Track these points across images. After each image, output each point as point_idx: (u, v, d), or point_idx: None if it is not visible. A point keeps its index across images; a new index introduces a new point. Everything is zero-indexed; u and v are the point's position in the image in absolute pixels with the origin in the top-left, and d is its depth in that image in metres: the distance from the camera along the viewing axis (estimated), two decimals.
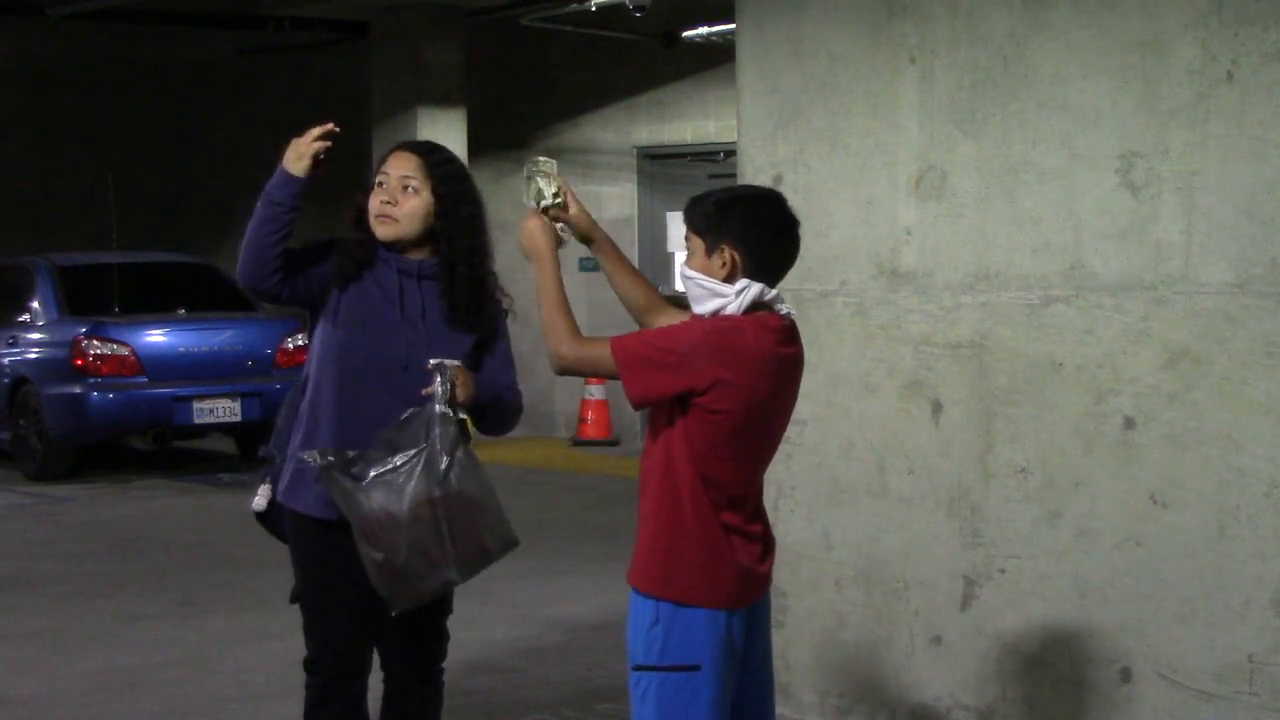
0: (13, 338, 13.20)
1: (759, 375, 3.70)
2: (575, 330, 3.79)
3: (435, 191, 4.37)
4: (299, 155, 4.27)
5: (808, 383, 5.64)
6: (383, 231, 4.35)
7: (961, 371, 5.23)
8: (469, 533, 4.25)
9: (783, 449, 5.68)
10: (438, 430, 4.18)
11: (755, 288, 3.73)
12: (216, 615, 7.92)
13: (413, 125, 13.95)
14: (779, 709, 5.72)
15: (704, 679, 3.68)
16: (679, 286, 16.43)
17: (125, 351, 12.50)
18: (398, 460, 4.18)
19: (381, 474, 4.18)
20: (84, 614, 8.00)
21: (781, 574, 5.74)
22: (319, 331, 4.41)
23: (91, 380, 12.40)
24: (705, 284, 3.74)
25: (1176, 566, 4.75)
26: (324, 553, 4.38)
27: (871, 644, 5.50)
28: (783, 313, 3.81)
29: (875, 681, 5.49)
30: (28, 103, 18.52)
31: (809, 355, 5.64)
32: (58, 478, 12.68)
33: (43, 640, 7.47)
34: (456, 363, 4.27)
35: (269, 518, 4.55)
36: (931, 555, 5.32)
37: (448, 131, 14.08)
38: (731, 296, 3.71)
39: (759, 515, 3.85)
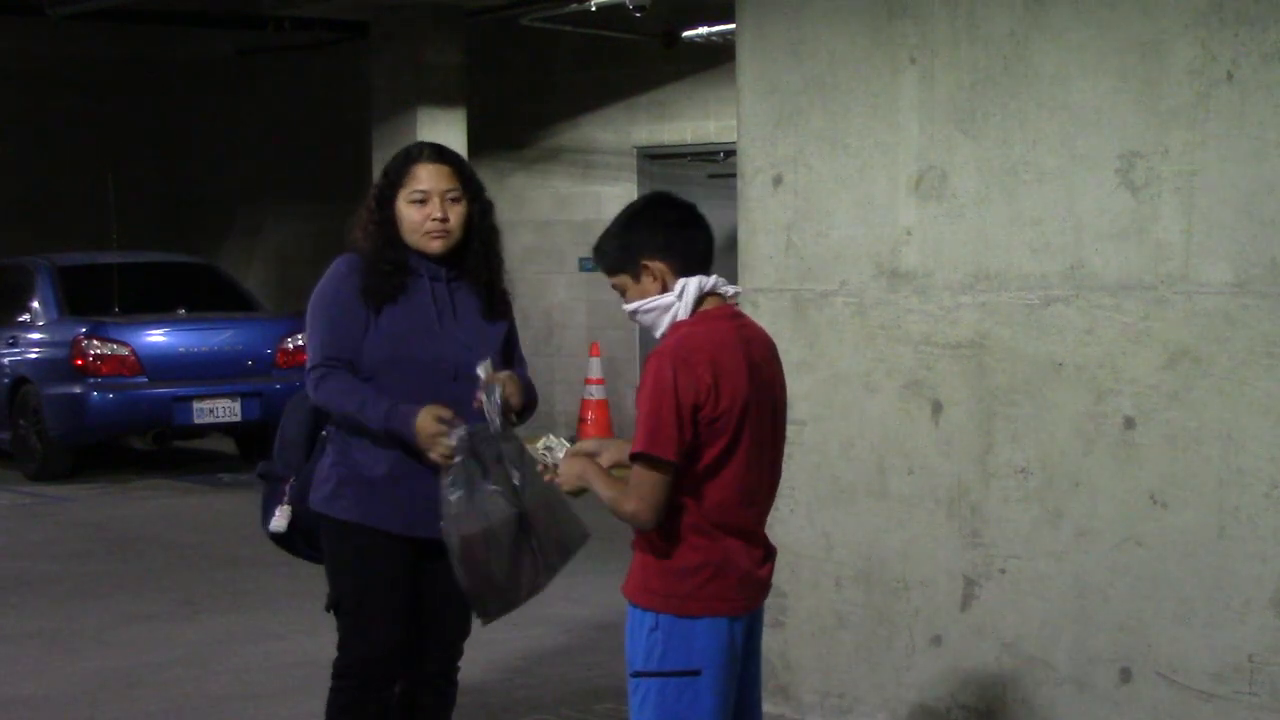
0: (13, 338, 13.19)
1: (733, 365, 3.65)
2: (624, 491, 3.65)
3: (470, 198, 4.47)
4: (429, 447, 4.25)
5: (808, 382, 5.66)
6: (438, 246, 4.42)
7: (961, 371, 5.23)
8: (551, 537, 4.30)
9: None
10: (503, 447, 4.22)
11: (694, 280, 3.70)
12: (216, 615, 7.92)
13: (413, 125, 13.94)
14: (779, 709, 5.73)
15: (705, 684, 3.65)
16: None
17: (125, 351, 12.50)
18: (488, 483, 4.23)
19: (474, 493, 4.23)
20: (84, 614, 8.00)
21: (781, 574, 5.73)
22: (364, 352, 4.40)
23: (91, 380, 12.39)
24: (649, 305, 3.72)
25: (1176, 566, 4.75)
26: (367, 558, 4.40)
27: (871, 644, 5.50)
28: (728, 294, 3.78)
29: (875, 681, 5.49)
30: (28, 103, 18.51)
31: (809, 355, 5.66)
32: (58, 478, 12.67)
33: (43, 640, 7.47)
34: (506, 373, 4.34)
35: (287, 538, 4.56)
36: (931, 555, 5.32)
37: (448, 131, 14.06)
38: (675, 298, 3.69)
39: (762, 519, 3.80)
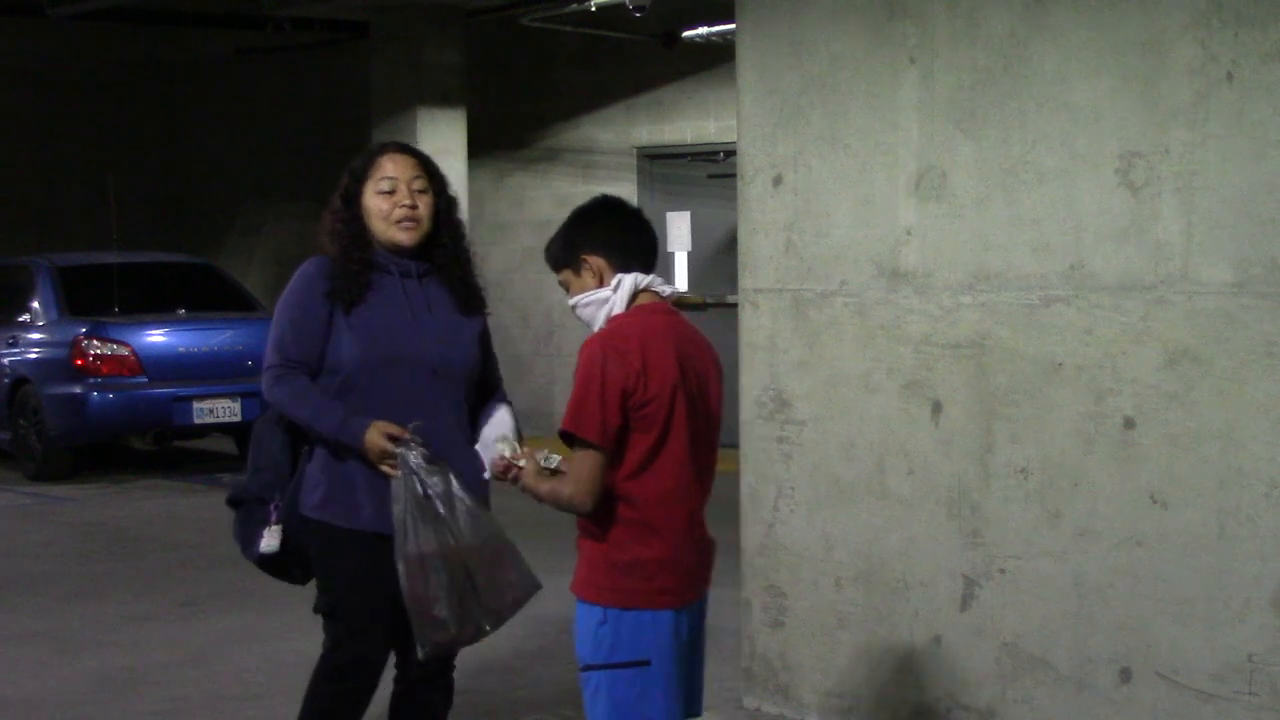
0: (13, 338, 13.19)
1: (662, 353, 3.75)
2: (559, 484, 3.76)
3: (436, 189, 4.47)
4: (377, 463, 4.27)
5: (808, 382, 5.66)
6: (409, 237, 4.42)
7: (961, 371, 5.23)
8: (496, 584, 4.27)
9: (781, 448, 5.70)
10: (429, 480, 4.23)
11: (630, 277, 3.82)
12: (216, 615, 7.92)
13: (413, 125, 13.94)
14: (779, 709, 5.74)
15: (654, 674, 3.73)
16: (680, 286, 16.33)
17: (125, 351, 12.49)
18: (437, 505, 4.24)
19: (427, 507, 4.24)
20: (84, 614, 8.00)
21: (781, 574, 5.75)
22: (331, 353, 4.39)
23: (91, 380, 12.39)
24: (587, 299, 3.85)
25: (1176, 566, 4.75)
26: (360, 562, 4.40)
27: (871, 644, 5.50)
28: (665, 294, 3.88)
29: (875, 681, 5.49)
30: (28, 103, 18.51)
31: (809, 355, 5.66)
32: (58, 478, 12.67)
33: (43, 640, 7.47)
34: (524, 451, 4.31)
35: (277, 560, 4.53)
36: (931, 555, 5.32)
37: (448, 131, 14.07)
38: (610, 293, 3.82)
39: (698, 513, 3.87)
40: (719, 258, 13.77)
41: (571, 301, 3.90)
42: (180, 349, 12.72)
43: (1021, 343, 5.08)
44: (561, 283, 3.92)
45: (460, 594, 4.23)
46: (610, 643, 3.72)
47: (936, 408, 5.30)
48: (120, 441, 13.20)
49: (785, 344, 5.69)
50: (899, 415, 5.39)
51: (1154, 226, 4.76)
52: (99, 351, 12.46)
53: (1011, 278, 5.10)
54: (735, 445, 5.91)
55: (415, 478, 4.22)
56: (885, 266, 5.42)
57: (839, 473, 5.56)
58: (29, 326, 13.18)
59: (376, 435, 4.25)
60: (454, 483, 4.24)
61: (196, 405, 12.54)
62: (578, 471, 3.69)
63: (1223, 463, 4.64)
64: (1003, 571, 5.14)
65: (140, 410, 12.52)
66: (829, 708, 5.63)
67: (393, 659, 4.60)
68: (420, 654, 4.29)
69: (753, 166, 5.76)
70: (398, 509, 4.22)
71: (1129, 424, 4.84)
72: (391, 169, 4.43)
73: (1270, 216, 4.54)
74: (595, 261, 3.83)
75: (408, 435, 4.25)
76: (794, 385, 5.69)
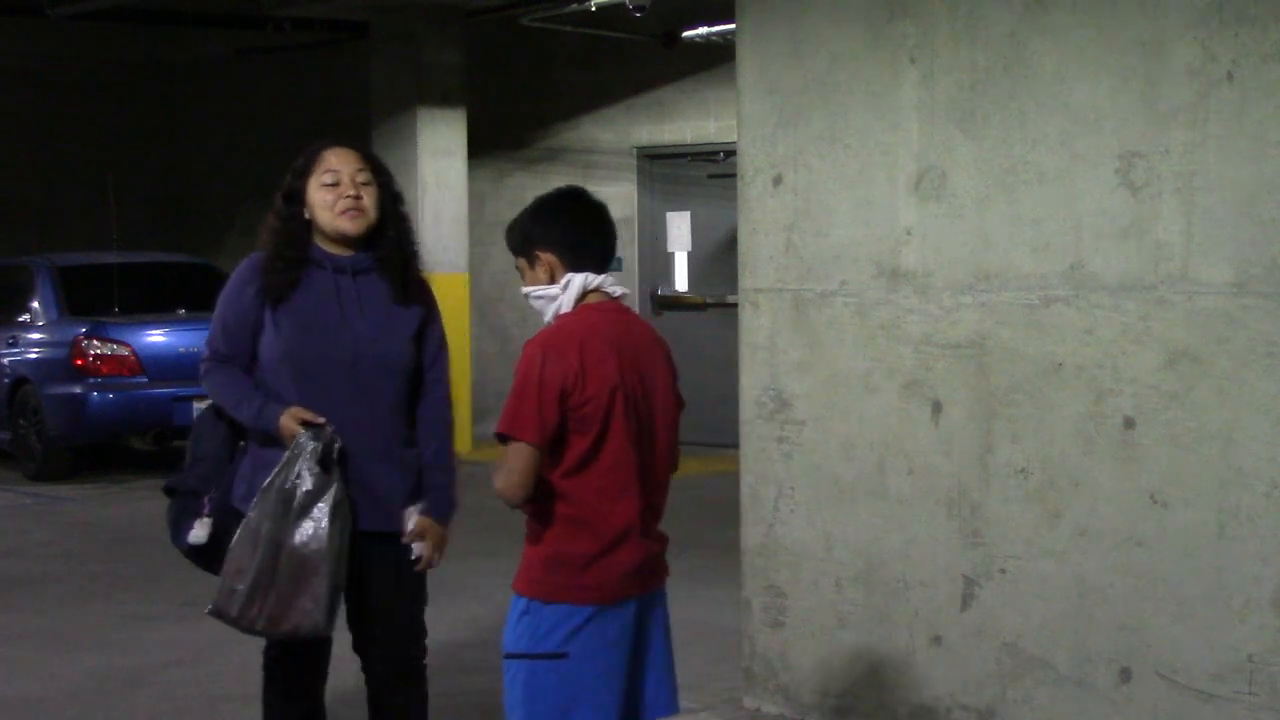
0: (13, 338, 13.19)
1: (601, 354, 3.78)
2: (495, 469, 3.81)
3: (381, 182, 4.55)
4: (288, 435, 4.37)
5: (808, 382, 5.66)
6: (354, 226, 4.48)
7: (961, 371, 5.23)
8: (284, 595, 4.35)
9: (781, 449, 5.70)
10: (299, 485, 4.31)
11: (579, 277, 3.86)
12: None
13: (412, 125, 13.94)
14: (779, 709, 5.73)
15: (570, 667, 3.78)
16: (680, 286, 16.30)
17: (125, 351, 12.49)
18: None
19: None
20: (84, 614, 8.00)
21: (782, 574, 5.74)
22: (262, 349, 4.48)
23: (91, 380, 12.39)
24: (538, 293, 3.90)
25: (1176, 566, 4.75)
26: None
27: (871, 644, 5.50)
28: (615, 294, 3.91)
29: (875, 681, 5.49)
30: (28, 103, 18.51)
31: (809, 355, 5.66)
32: (58, 478, 12.67)
33: (43, 640, 7.47)
34: (425, 528, 4.48)
35: (205, 552, 4.60)
36: (931, 555, 5.32)
37: (448, 131, 14.07)
38: (559, 292, 3.86)
39: (647, 510, 3.89)
40: (719, 258, 13.77)
41: (524, 291, 3.96)
42: (180, 349, 12.70)
43: (1021, 343, 5.08)
44: (517, 268, 3.97)
45: (259, 583, 4.34)
46: (530, 633, 3.79)
47: (936, 408, 5.30)
48: (120, 441, 13.19)
49: (785, 344, 5.69)
50: (899, 415, 5.39)
51: (1154, 226, 4.76)
52: (99, 351, 12.46)
53: (1011, 278, 5.10)
54: (735, 445, 5.92)
55: (300, 461, 4.30)
56: (885, 266, 5.42)
57: (839, 473, 5.56)
58: (29, 326, 13.17)
59: (289, 420, 4.36)
60: (329, 491, 4.31)
61: (196, 405, 12.43)
62: (510, 464, 3.73)
63: (1223, 463, 4.64)
64: (1003, 571, 5.14)
65: (140, 410, 12.52)
66: (829, 708, 5.63)
67: (361, 659, 4.66)
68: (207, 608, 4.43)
69: (753, 166, 5.76)
70: (270, 477, 4.32)
71: (1129, 424, 4.84)
72: (335, 162, 4.50)
73: (1270, 216, 4.54)
74: (548, 258, 3.88)
75: (320, 421, 4.34)
76: (794, 385, 5.69)
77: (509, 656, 3.84)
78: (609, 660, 3.83)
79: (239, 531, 4.37)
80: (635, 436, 3.83)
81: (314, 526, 4.30)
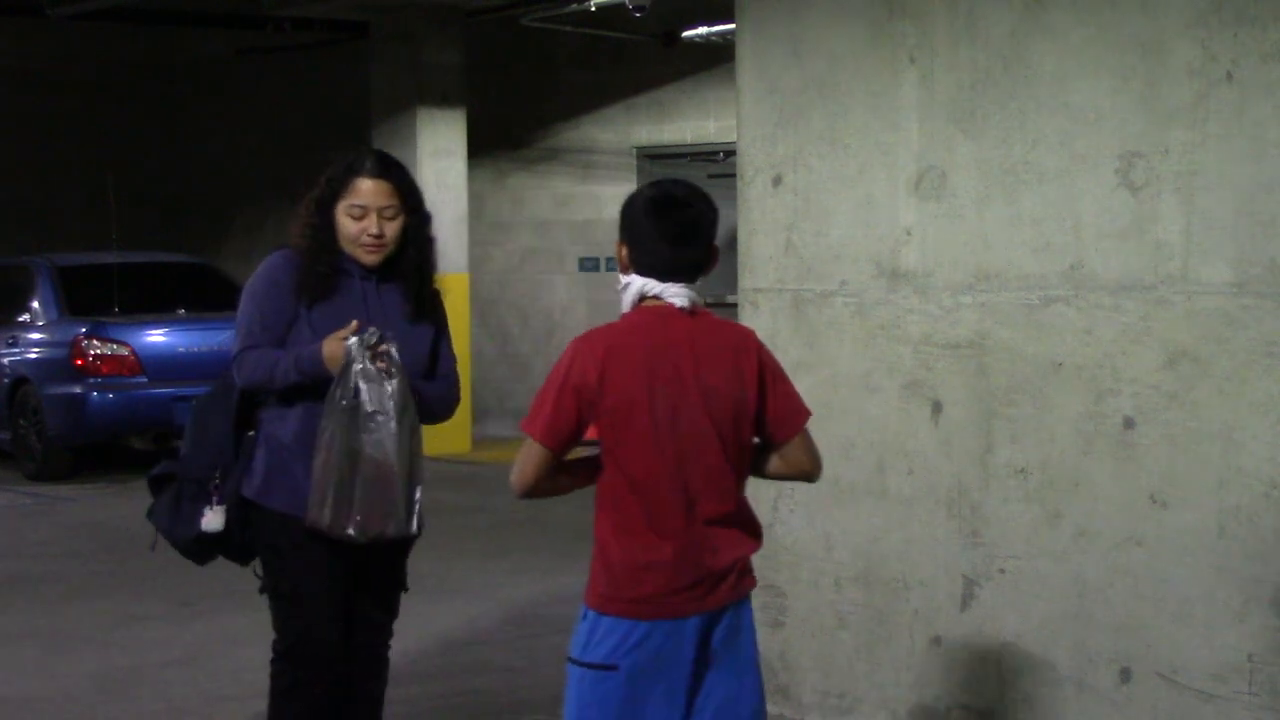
0: (13, 338, 13.19)
1: (627, 359, 3.64)
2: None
3: (408, 212, 4.60)
4: (334, 359, 4.43)
5: (808, 383, 5.65)
6: (372, 260, 4.58)
7: (961, 371, 5.23)
8: (374, 499, 4.42)
9: None
10: (364, 386, 4.39)
11: (637, 282, 3.71)
12: (214, 615, 7.91)
13: (412, 125, 13.95)
14: (779, 709, 5.73)
15: (618, 681, 3.66)
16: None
17: (125, 351, 12.50)
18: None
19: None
20: (84, 614, 8.00)
21: (781, 574, 5.74)
22: (291, 342, 4.55)
23: (91, 380, 12.40)
24: (620, 282, 3.79)
25: (1176, 566, 4.75)
26: (303, 545, 4.51)
27: (871, 644, 5.50)
28: (677, 303, 3.71)
29: (875, 681, 5.49)
30: (28, 103, 18.51)
31: (809, 355, 5.65)
32: (58, 478, 12.67)
33: (42, 640, 7.47)
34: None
35: (215, 541, 4.69)
36: (931, 555, 5.32)
37: (448, 132, 14.07)
38: (622, 291, 3.76)
39: (702, 520, 3.71)
40: (720, 257, 13.76)
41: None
42: (180, 349, 12.72)
43: (1021, 343, 5.08)
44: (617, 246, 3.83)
45: (343, 492, 4.38)
46: (584, 642, 3.71)
47: (936, 408, 5.30)
48: (120, 441, 13.20)
49: (785, 344, 5.69)
50: (899, 415, 5.39)
51: (1154, 226, 4.76)
52: (99, 351, 12.46)
53: (1011, 278, 5.10)
54: None
55: (354, 368, 4.37)
56: (885, 266, 5.42)
57: (839, 473, 5.55)
58: (29, 326, 13.18)
59: (329, 343, 4.42)
60: (391, 391, 4.39)
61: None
62: (520, 456, 3.68)
63: (1223, 463, 4.64)
64: (1003, 571, 5.14)
65: (140, 410, 12.53)
66: (829, 708, 5.63)
67: None
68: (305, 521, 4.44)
69: (753, 166, 5.76)
70: (331, 389, 4.38)
71: (1129, 424, 4.84)
72: (364, 194, 4.54)
73: (1270, 216, 4.54)
74: (623, 252, 3.76)
75: (355, 325, 4.40)
76: (794, 385, 5.68)
77: (569, 661, 3.75)
78: (667, 677, 3.68)
79: (318, 445, 4.40)
80: (675, 445, 3.65)
81: (383, 431, 4.38)
